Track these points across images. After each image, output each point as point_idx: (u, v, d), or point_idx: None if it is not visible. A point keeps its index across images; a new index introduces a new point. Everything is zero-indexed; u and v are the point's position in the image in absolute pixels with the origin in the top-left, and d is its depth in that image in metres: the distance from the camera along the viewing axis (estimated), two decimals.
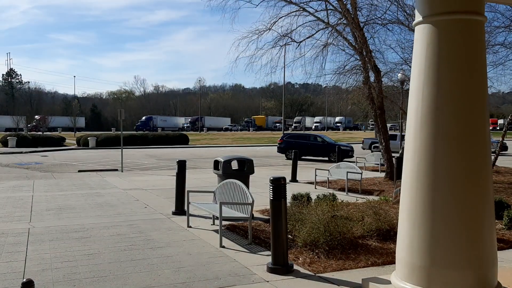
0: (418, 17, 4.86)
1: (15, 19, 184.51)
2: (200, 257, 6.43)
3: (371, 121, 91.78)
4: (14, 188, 14.05)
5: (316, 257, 6.23)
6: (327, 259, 6.15)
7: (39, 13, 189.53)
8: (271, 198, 5.68)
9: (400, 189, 8.81)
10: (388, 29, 14.69)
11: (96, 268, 5.95)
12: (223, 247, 6.94)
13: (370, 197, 12.45)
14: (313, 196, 9.72)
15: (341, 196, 11.25)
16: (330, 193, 9.36)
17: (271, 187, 5.67)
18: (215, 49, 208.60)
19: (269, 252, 6.52)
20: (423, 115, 4.66)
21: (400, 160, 11.82)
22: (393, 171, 15.56)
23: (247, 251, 6.74)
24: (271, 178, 5.70)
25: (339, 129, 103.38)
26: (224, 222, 7.81)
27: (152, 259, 6.32)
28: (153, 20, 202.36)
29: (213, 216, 8.40)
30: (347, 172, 13.41)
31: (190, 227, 8.37)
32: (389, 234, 7.09)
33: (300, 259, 6.20)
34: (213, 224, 8.56)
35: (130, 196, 12.42)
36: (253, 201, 7.11)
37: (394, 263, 5.95)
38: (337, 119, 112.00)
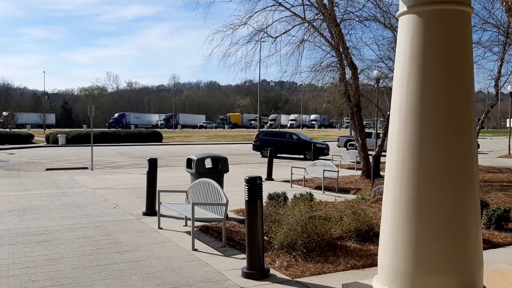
0: (402, 7, 4.59)
1: None
2: (170, 262, 6.04)
3: (346, 119, 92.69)
4: None
5: (293, 260, 5.92)
6: (305, 262, 5.85)
7: (8, 7, 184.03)
8: (246, 198, 5.35)
9: (378, 188, 8.64)
10: (365, 26, 14.58)
11: (57, 275, 5.50)
12: (196, 250, 6.56)
13: (347, 196, 12.27)
14: (290, 196, 9.44)
15: (318, 195, 11.02)
16: (307, 192, 9.08)
17: (246, 187, 5.33)
18: (189, 45, 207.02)
19: (244, 255, 6.18)
20: (407, 110, 4.39)
21: (377, 158, 11.67)
22: (369, 169, 15.46)
23: (221, 254, 6.38)
24: (247, 177, 5.36)
25: (314, 127, 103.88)
26: (197, 223, 7.44)
27: (119, 264, 5.90)
28: (126, 15, 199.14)
29: (186, 217, 8.01)
30: (324, 170, 13.19)
31: (161, 228, 7.96)
32: (368, 234, 6.85)
33: (277, 262, 5.88)
34: (186, 225, 8.17)
35: (99, 195, 11.90)
36: (227, 201, 6.76)
37: (375, 265, 5.72)
38: (312, 117, 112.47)
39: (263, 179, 16.03)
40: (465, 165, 4.37)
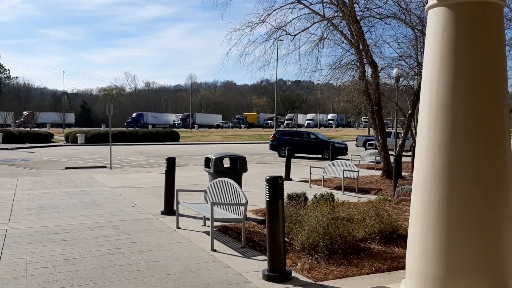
0: (431, 0, 4.39)
1: (3, 13, 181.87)
2: (190, 262, 5.92)
3: (364, 118, 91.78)
4: None
5: (315, 262, 5.75)
6: (328, 265, 5.68)
7: (28, 8, 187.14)
8: (267, 199, 5.19)
9: (401, 189, 8.42)
10: (386, 23, 14.25)
11: (75, 275, 5.42)
12: (215, 250, 6.44)
13: (368, 196, 12.03)
14: (310, 196, 9.26)
15: (338, 196, 10.78)
16: (327, 193, 8.89)
17: (267, 187, 5.18)
18: (206, 45, 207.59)
19: (264, 257, 6.04)
20: (438, 107, 4.19)
21: (398, 158, 11.39)
22: (390, 169, 15.17)
23: (240, 255, 6.25)
24: (267, 177, 5.20)
25: (331, 127, 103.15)
26: (215, 223, 7.31)
27: (138, 265, 5.80)
28: (144, 16, 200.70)
29: (204, 217, 7.90)
30: (344, 170, 12.96)
31: (180, 228, 7.86)
32: (392, 236, 6.64)
33: (299, 264, 5.72)
34: (204, 225, 8.06)
35: (118, 194, 11.88)
36: (246, 201, 6.62)
37: (400, 269, 5.52)
38: (330, 116, 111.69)
39: None
40: (498, 165, 4.15)
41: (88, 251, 6.38)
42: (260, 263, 5.84)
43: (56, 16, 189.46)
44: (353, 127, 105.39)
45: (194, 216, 8.72)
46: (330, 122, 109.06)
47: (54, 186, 13.40)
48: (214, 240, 6.70)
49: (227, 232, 7.43)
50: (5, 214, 9.08)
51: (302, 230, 6.10)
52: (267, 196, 5.17)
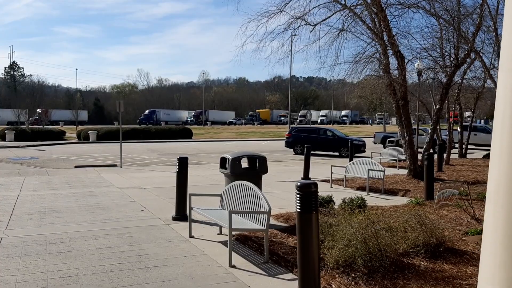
0: None
1: (18, 12, 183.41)
2: (205, 283, 5.05)
3: (378, 114, 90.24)
4: (1, 186, 12.76)
5: (353, 283, 4.86)
6: (368, 286, 4.79)
7: (43, 6, 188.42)
8: (299, 209, 4.31)
9: (443, 193, 7.49)
10: (413, 12, 13.20)
11: None
12: (233, 266, 5.57)
13: (396, 198, 11.10)
14: (336, 198, 8.36)
15: (363, 197, 9.89)
16: (358, 197, 7.96)
17: (298, 195, 4.30)
18: (219, 42, 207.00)
19: (291, 275, 5.17)
20: None
21: (431, 156, 10.41)
22: (417, 168, 14.19)
23: (263, 273, 5.37)
24: (298, 184, 4.32)
25: (345, 123, 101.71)
26: (233, 232, 6.45)
27: (144, 285, 4.96)
28: (157, 13, 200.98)
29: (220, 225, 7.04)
30: (368, 169, 12.01)
31: (193, 237, 7.02)
32: (439, 250, 5.72)
33: (333, 286, 4.83)
34: (220, 233, 7.21)
35: (127, 196, 11.10)
36: (269, 209, 5.74)
37: None
38: (343, 112, 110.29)
39: (300, 179, 14.96)
40: None
41: (87, 267, 5.57)
42: (288, 284, 4.97)
43: (70, 14, 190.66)
44: (367, 123, 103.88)
45: (209, 222, 7.88)
46: (344, 118, 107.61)
47: (61, 187, 12.68)
48: (233, 253, 5.84)
49: (247, 243, 6.57)
50: (4, 219, 8.33)
51: (336, 244, 5.21)
52: (298, 206, 4.29)
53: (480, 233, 6.62)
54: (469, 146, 25.34)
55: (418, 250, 5.63)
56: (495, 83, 18.15)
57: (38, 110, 77.46)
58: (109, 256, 6.00)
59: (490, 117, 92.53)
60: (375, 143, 33.70)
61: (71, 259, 5.86)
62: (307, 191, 4.28)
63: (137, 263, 5.73)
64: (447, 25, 14.29)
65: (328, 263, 5.24)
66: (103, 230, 7.48)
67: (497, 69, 17.93)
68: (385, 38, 13.40)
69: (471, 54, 14.89)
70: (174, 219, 8.26)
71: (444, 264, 5.42)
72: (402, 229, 5.91)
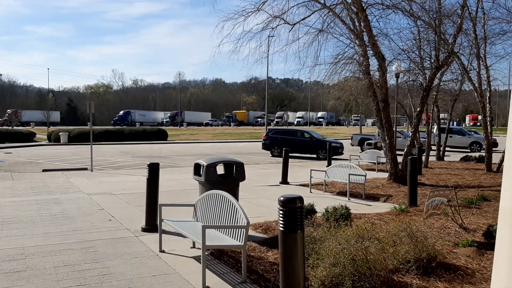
0: None
1: None
2: None
3: (354, 116, 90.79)
4: None
5: None
6: None
7: (13, 4, 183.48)
8: (282, 228, 3.78)
9: (432, 201, 7.09)
10: (394, 12, 12.86)
11: None
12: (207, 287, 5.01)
13: (377, 204, 10.71)
14: (318, 207, 7.87)
15: (343, 203, 9.45)
16: (342, 206, 7.47)
17: (281, 211, 3.77)
18: (195, 42, 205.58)
19: None
20: None
21: (414, 160, 10.05)
22: (398, 172, 13.87)
23: None
24: (282, 198, 3.80)
25: (321, 125, 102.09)
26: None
27: None
28: (132, 12, 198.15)
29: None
30: (349, 174, 11.60)
31: (163, 251, 6.42)
32: (431, 265, 5.28)
33: None
34: (193, 247, 6.63)
35: (94, 203, 10.40)
36: (248, 222, 5.19)
37: None
38: (320, 114, 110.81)
39: (278, 183, 14.40)
40: None
41: None
42: None
43: (42, 13, 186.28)
44: (343, 125, 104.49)
45: (181, 234, 7.28)
46: (320, 120, 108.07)
47: (24, 193, 11.86)
48: (207, 271, 5.28)
49: (223, 258, 6.01)
50: None
51: (322, 262, 4.71)
52: (282, 225, 3.76)
53: (471, 245, 6.23)
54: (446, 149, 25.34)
55: (410, 266, 5.17)
56: (473, 85, 18.06)
57: (8, 110, 75.04)
58: (68, 277, 5.34)
59: (462, 119, 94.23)
60: (352, 145, 33.54)
61: (24, 281, 5.19)
62: (291, 206, 3.75)
63: (99, 285, 5.10)
64: (427, 26, 14.05)
65: (313, 283, 4.73)
66: (64, 244, 6.80)
67: (476, 71, 17.88)
68: (366, 38, 13.05)
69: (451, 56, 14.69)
70: (144, 230, 7.64)
71: (438, 282, 4.97)
72: (391, 243, 5.44)
